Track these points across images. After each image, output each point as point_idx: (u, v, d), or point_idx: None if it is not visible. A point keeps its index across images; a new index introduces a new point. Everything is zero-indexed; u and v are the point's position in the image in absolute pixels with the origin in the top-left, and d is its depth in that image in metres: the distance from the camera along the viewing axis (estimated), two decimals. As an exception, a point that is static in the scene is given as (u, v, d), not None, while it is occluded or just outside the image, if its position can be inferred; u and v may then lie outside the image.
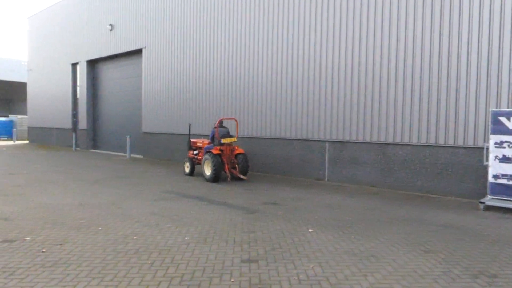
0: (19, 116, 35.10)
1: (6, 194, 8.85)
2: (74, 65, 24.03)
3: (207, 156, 11.17)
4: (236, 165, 11.40)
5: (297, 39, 12.14)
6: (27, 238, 5.57)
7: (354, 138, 10.98)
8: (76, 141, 23.09)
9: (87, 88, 22.78)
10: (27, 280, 4.14)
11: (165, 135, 17.15)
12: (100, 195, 9.00)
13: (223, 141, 11.22)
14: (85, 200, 8.37)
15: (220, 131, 11.61)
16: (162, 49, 17.19)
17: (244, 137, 13.72)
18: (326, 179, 11.63)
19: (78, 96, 23.80)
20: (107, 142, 21.95)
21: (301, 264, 4.71)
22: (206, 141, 12.49)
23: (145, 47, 18.11)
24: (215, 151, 11.08)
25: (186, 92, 16.05)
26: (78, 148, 23.00)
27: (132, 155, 18.51)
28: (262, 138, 13.23)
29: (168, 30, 16.89)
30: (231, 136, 11.59)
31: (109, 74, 21.73)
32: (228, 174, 11.28)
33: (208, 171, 11.12)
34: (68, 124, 24.50)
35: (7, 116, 38.60)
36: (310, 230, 6.21)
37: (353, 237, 5.89)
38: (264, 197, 9.04)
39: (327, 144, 11.59)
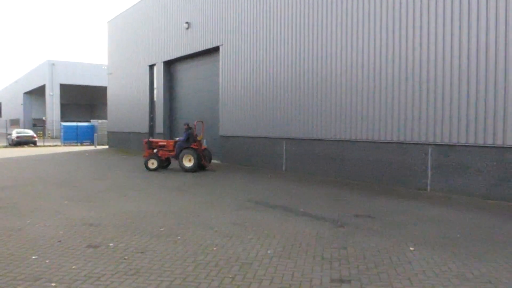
0: (100, 121, 38.55)
1: (90, 200, 9.78)
2: (151, 67, 25.78)
3: (188, 151, 15.36)
4: (203, 157, 15.72)
5: (398, 34, 11.73)
6: (110, 245, 6.10)
7: (463, 141, 10.29)
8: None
9: (164, 90, 24.29)
10: (112, 287, 4.53)
11: (245, 138, 17.61)
12: (180, 202, 9.53)
13: (198, 138, 15.85)
14: (164, 207, 8.92)
15: (192, 132, 15.86)
16: (240, 46, 17.71)
17: (329, 140, 13.58)
18: (428, 188, 11.05)
19: (155, 99, 25.48)
20: (184, 146, 23.11)
21: None
22: (170, 141, 16.53)
23: (222, 45, 18.82)
24: (195, 147, 15.42)
25: (267, 92, 16.34)
26: (155, 153, 24.55)
27: (209, 160, 19.23)
28: (351, 141, 12.99)
29: (246, 26, 17.36)
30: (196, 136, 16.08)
31: (185, 74, 22.94)
32: (206, 163, 15.72)
33: (189, 163, 15.33)
34: (145, 128, 26.31)
35: (89, 121, 42.50)
36: (412, 248, 5.96)
37: (464, 258, 5.52)
38: (356, 208, 8.89)
39: (429, 148, 11.01)
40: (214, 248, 5.96)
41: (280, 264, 5.31)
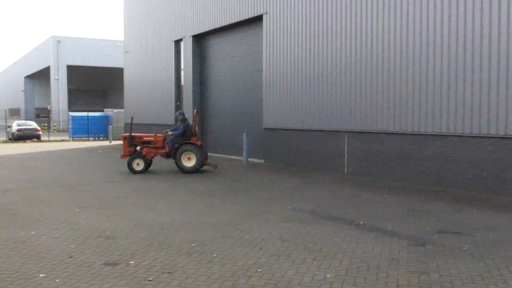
0: (115, 110, 39.50)
1: (105, 207, 10.09)
2: (178, 43, 26.20)
3: (187, 147, 15.59)
4: (205, 155, 16.13)
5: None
6: (131, 262, 6.28)
7: None
8: (180, 140, 25.10)
9: (193, 72, 24.62)
10: (134, 315, 4.67)
11: (295, 131, 17.59)
12: (213, 211, 9.66)
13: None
14: (195, 217, 9.08)
15: (189, 124, 16.20)
16: (289, 15, 17.67)
17: (404, 133, 13.32)
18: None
19: (182, 82, 25.89)
20: (217, 142, 23.43)
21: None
22: (159, 135, 16.61)
23: (266, 13, 18.85)
24: (198, 143, 15.83)
25: (323, 72, 16.23)
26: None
27: (249, 159, 19.41)
28: (432, 134, 12.70)
29: (297, -12, 17.30)
30: None
31: (219, 52, 23.16)
32: (206, 162, 16.11)
33: (189, 162, 15.56)
34: (171, 119, 26.80)
35: (102, 111, 43.65)
36: (515, 275, 5.78)
37: None
38: (439, 222, 8.72)
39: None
40: (259, 270, 6.00)
41: (342, 291, 5.29)
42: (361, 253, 6.72)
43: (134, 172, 15.60)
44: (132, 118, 18.13)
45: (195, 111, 17.59)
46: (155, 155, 16.36)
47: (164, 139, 16.34)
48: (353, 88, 15.03)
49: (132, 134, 16.52)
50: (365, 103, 14.65)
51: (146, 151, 16.14)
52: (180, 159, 15.57)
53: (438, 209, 9.89)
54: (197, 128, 16.65)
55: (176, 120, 16.58)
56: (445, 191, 12.05)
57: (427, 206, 10.26)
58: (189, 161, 15.59)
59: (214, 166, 16.45)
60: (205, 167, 16.25)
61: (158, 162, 17.08)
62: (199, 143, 15.99)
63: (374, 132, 14.44)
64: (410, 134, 13.35)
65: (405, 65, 13.43)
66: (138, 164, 15.75)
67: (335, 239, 7.47)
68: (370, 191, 12.23)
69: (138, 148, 16.23)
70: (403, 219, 8.94)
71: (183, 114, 16.59)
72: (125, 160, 16.17)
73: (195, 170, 15.54)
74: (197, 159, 15.55)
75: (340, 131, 15.57)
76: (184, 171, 15.50)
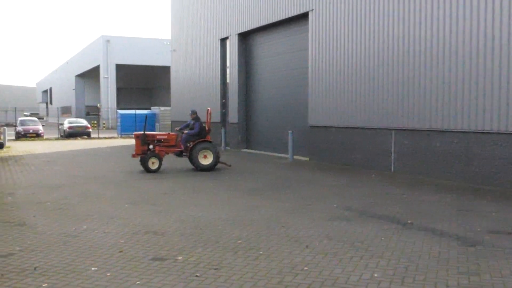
0: (162, 108, 40.18)
1: (154, 203, 10.32)
2: (223, 41, 26.42)
3: (205, 145, 15.87)
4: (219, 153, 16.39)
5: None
6: (179, 258, 6.39)
7: None
8: (225, 138, 25.32)
9: (239, 69, 24.79)
10: (182, 310, 4.76)
11: (340, 129, 17.45)
12: (258, 209, 9.71)
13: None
14: (240, 215, 9.15)
15: (202, 122, 16.52)
16: (336, 12, 17.52)
17: (453, 131, 13.01)
18: None
19: (227, 80, 26.09)
20: (262, 139, 23.51)
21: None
22: (172, 134, 16.82)
23: (312, 10, 18.77)
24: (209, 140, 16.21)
25: (369, 69, 16.03)
26: (227, 148, 25.19)
27: (295, 156, 19.39)
28: (483, 132, 12.36)
29: (343, -16, 17.14)
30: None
31: (265, 50, 23.20)
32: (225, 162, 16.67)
33: (207, 160, 15.81)
34: (217, 117, 27.05)
35: (149, 108, 44.45)
36: None
37: None
38: (490, 222, 8.51)
39: None
40: (305, 268, 6.00)
41: (390, 291, 5.24)
42: (409, 253, 6.62)
43: (149, 171, 15.43)
44: (146, 116, 18.53)
45: (208, 109, 17.53)
46: (167, 153, 16.44)
47: (177, 138, 16.49)
48: (400, 85, 14.78)
49: (146, 132, 16.07)
50: (412, 100, 14.38)
51: (159, 149, 16.07)
52: (197, 157, 15.70)
53: (488, 209, 9.63)
54: (208, 126, 16.76)
55: (190, 118, 16.67)
56: (495, 190, 11.71)
57: (477, 205, 10.01)
58: (205, 159, 15.78)
59: (228, 164, 16.65)
60: (218, 165, 16.25)
61: (168, 160, 17.28)
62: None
63: (422, 130, 14.17)
64: (460, 132, 13.03)
65: (455, 62, 13.11)
66: (154, 163, 15.55)
67: (382, 238, 7.38)
68: (418, 189, 12.02)
69: (150, 146, 16.12)
70: (453, 219, 8.75)
71: (195, 112, 16.73)
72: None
73: (211, 168, 15.74)
74: (214, 157, 15.79)
75: (387, 129, 15.35)
76: (200, 169, 15.63)
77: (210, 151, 15.80)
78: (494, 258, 6.37)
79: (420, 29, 14.10)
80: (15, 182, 13.51)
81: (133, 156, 16.12)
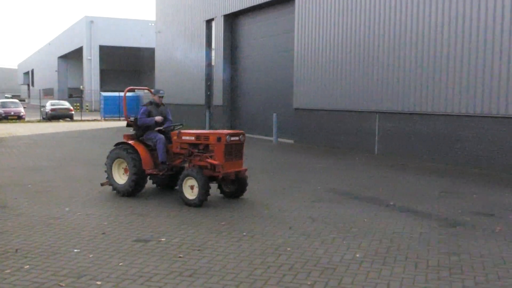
0: (146, 91, 39.81)
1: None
2: (209, 23, 26.23)
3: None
4: None
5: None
6: (162, 239, 6.40)
7: None
8: (210, 121, 25.28)
9: (224, 52, 24.65)
10: (165, 290, 4.79)
11: (325, 112, 17.50)
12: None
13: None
14: (224, 196, 9.15)
15: None
16: (321, -7, 17.47)
17: (437, 114, 13.12)
18: None
19: (213, 62, 25.95)
20: (247, 122, 23.50)
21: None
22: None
23: (297, -8, 18.68)
24: None
25: (355, 52, 16.05)
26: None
27: (280, 139, 19.43)
28: (467, 115, 12.48)
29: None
30: None
31: (251, 32, 23.08)
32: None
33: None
34: (201, 99, 26.95)
35: (134, 91, 43.97)
36: (550, 258, 5.70)
37: None
38: (471, 203, 8.64)
39: None
40: (288, 249, 6.05)
41: (372, 271, 5.30)
42: (391, 234, 6.71)
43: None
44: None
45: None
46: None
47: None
48: (385, 68, 14.84)
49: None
50: (396, 84, 14.45)
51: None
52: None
53: (470, 191, 9.78)
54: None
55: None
56: (478, 173, 11.88)
57: (459, 187, 10.15)
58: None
59: None
60: None
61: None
62: None
63: (405, 113, 14.26)
64: (443, 115, 13.15)
65: (439, 45, 13.17)
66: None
67: (365, 219, 7.46)
68: (401, 172, 12.15)
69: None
70: (434, 200, 8.87)
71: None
72: None
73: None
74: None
75: (372, 112, 15.43)
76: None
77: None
78: (474, 239, 6.48)
79: (406, 14, 14.13)
80: (-3, 164, 13.39)
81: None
